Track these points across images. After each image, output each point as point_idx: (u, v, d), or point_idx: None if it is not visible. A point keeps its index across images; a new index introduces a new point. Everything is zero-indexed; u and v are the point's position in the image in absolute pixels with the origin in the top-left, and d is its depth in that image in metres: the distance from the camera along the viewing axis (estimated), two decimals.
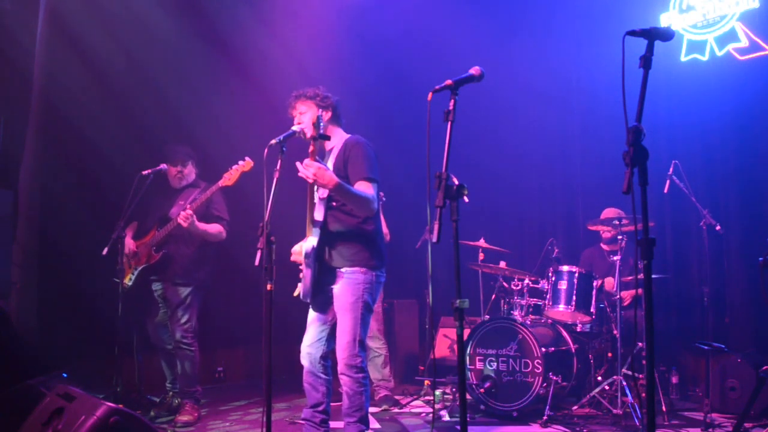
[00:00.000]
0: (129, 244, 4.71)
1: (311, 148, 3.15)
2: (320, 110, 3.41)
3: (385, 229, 5.08)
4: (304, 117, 3.43)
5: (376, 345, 5.21)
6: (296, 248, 3.45)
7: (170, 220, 4.57)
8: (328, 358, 3.41)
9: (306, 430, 3.41)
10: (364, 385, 3.28)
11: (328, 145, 3.49)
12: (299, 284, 3.38)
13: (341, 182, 3.16)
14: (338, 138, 3.49)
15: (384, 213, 4.98)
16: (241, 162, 4.24)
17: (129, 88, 5.42)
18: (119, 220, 4.44)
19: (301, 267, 3.38)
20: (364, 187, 3.27)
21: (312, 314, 3.47)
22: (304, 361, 3.44)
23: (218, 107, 6.04)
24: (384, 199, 4.92)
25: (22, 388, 3.45)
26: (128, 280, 4.63)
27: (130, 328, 4.75)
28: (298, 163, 3.11)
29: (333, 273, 3.35)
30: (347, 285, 3.31)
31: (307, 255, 3.26)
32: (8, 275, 4.31)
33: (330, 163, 3.39)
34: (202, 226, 4.54)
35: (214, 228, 4.65)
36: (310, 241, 3.28)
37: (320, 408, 3.40)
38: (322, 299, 3.39)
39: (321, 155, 3.52)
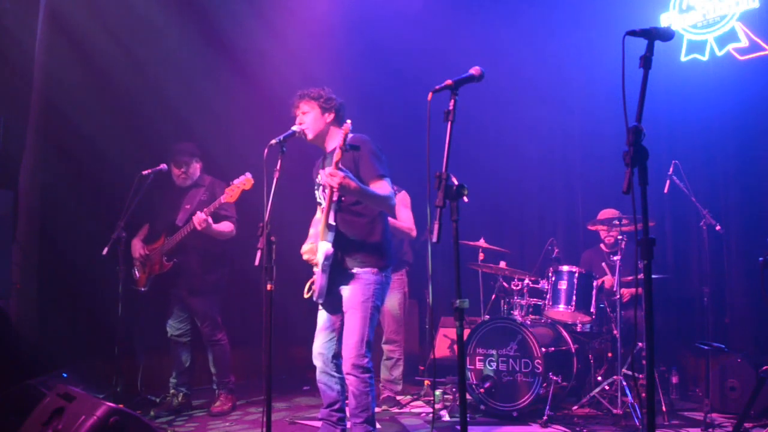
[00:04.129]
0: (138, 247, 4.76)
1: (337, 158, 3.11)
2: (323, 112, 3.43)
3: (411, 224, 5.04)
4: (306, 117, 3.44)
5: (391, 347, 5.16)
6: (306, 248, 3.45)
7: (178, 229, 4.60)
8: (340, 356, 3.43)
9: (323, 429, 3.45)
10: (371, 385, 3.30)
11: (329, 145, 3.49)
12: (309, 285, 3.39)
13: (362, 186, 3.19)
14: (339, 139, 3.49)
15: None
16: (242, 177, 4.31)
17: (129, 88, 5.41)
18: (119, 220, 4.44)
19: (315, 268, 3.38)
20: (380, 186, 3.29)
21: (322, 315, 3.50)
22: (317, 361, 3.47)
23: (219, 106, 6.03)
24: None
25: (22, 388, 3.45)
26: (144, 287, 4.75)
27: (130, 328, 4.76)
28: (322, 172, 3.10)
29: (344, 274, 3.37)
30: (358, 285, 3.33)
31: (327, 258, 3.25)
32: (8, 275, 4.30)
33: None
34: (217, 227, 4.62)
35: (226, 227, 4.72)
36: (325, 245, 3.28)
37: (336, 407, 3.44)
38: (332, 300, 3.41)
39: (326, 156, 3.52)
